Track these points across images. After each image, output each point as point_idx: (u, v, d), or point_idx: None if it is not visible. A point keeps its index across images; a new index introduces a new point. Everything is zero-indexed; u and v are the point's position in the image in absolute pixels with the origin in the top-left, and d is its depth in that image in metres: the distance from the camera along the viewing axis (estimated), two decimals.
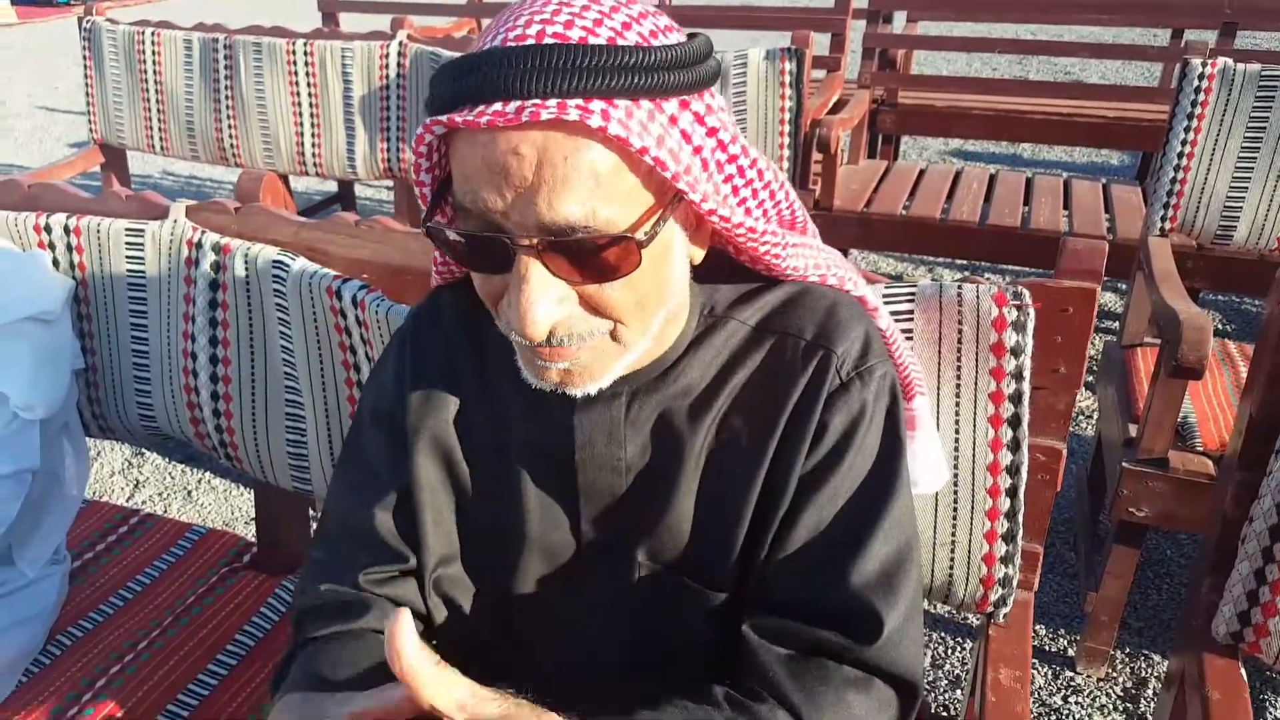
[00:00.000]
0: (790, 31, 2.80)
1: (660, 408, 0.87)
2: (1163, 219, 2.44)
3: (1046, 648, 2.15)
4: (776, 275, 0.88)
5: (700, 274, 0.87)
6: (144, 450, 2.93)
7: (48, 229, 1.48)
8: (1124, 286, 3.37)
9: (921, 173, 3.49)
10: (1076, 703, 2.02)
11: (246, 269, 1.37)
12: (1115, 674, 2.08)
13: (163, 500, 2.74)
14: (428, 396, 0.93)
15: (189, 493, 2.76)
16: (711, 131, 0.76)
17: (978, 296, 1.05)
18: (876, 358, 0.87)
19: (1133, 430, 1.95)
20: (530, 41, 0.68)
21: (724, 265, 0.89)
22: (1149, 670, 2.08)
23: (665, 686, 0.81)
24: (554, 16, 0.70)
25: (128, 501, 2.73)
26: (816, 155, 2.93)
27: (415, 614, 0.96)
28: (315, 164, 3.18)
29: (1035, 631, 2.17)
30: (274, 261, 1.34)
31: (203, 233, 1.41)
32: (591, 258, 0.72)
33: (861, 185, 3.32)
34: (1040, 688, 2.06)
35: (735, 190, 0.81)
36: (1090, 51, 4.17)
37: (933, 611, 2.25)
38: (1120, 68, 7.44)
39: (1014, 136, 4.25)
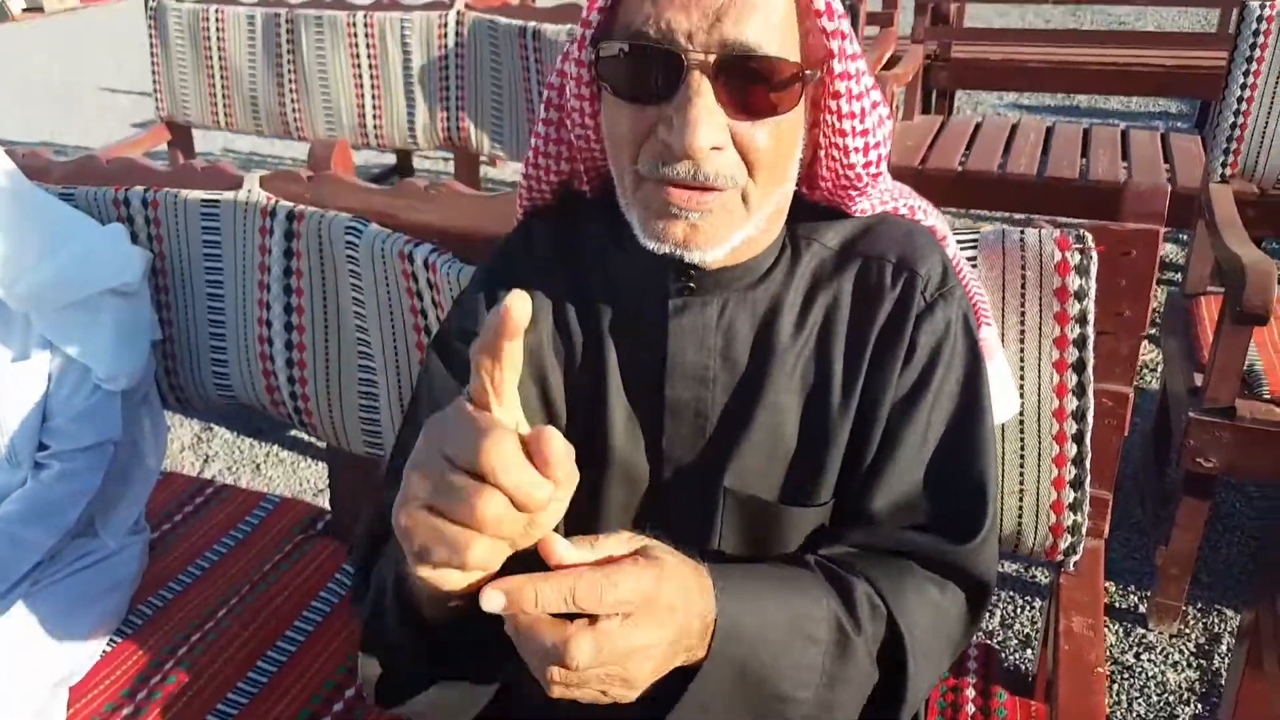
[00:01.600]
0: None
1: (751, 320, 0.90)
2: (1223, 165, 2.40)
3: (1117, 604, 2.13)
4: (846, 211, 0.92)
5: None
6: (213, 425, 3.01)
7: (126, 202, 1.53)
8: (1185, 238, 3.31)
9: (978, 126, 3.45)
10: (1149, 660, 1.99)
11: (320, 235, 1.40)
12: (1188, 630, 2.05)
13: (232, 474, 2.81)
14: None
15: (258, 466, 2.83)
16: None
17: (1040, 240, 1.05)
18: (954, 281, 0.91)
19: (1198, 380, 1.92)
20: None
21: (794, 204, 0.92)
22: (1222, 625, 2.05)
23: None
24: None
25: (198, 476, 2.81)
26: None
27: None
28: (376, 135, 3.27)
29: (1105, 588, 2.15)
30: (347, 227, 1.37)
31: (276, 201, 1.44)
32: (756, 88, 0.77)
33: (917, 141, 3.29)
34: (1112, 645, 2.04)
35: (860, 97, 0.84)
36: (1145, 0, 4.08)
37: (1002, 570, 2.24)
38: (1176, 15, 7.24)
39: (1070, 88, 4.16)
